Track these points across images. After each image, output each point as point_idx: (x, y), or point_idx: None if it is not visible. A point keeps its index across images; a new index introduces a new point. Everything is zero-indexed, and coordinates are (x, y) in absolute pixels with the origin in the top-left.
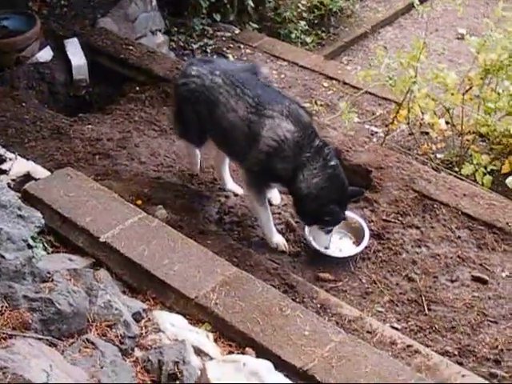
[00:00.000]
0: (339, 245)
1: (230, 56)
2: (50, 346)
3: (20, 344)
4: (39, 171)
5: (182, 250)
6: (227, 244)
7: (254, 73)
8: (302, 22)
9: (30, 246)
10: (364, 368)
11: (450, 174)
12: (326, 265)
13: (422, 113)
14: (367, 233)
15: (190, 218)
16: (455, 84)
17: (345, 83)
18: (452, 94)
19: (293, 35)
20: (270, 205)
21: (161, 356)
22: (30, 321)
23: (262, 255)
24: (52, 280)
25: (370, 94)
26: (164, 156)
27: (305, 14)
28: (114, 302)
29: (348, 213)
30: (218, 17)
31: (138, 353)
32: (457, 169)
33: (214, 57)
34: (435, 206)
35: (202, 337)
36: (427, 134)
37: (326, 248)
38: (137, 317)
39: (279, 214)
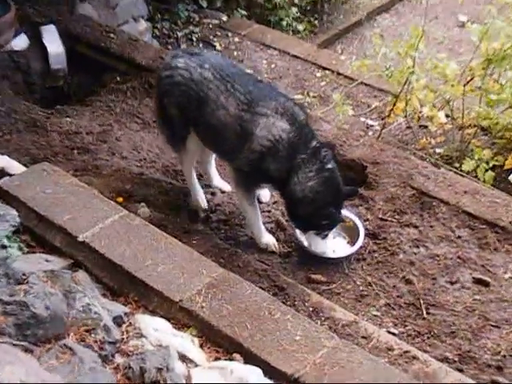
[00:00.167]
0: (333, 245)
1: (218, 45)
2: (25, 351)
3: None
4: (14, 166)
5: (165, 250)
6: (214, 244)
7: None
8: (294, 9)
9: (4, 246)
10: (359, 375)
11: (450, 170)
12: (318, 266)
13: (421, 105)
14: (362, 232)
15: (174, 216)
16: (456, 75)
17: (339, 73)
18: (452, 86)
19: (284, 22)
20: (260, 202)
21: (143, 363)
22: (4, 325)
23: (250, 256)
24: (27, 282)
25: (366, 85)
26: (147, 150)
27: (297, 0)
28: (94, 306)
29: (342, 211)
30: (204, 3)
31: (118, 359)
32: (457, 164)
33: (200, 45)
34: (434, 203)
35: (186, 342)
36: (426, 127)
37: (325, 253)
38: (118, 321)
39: (269, 212)
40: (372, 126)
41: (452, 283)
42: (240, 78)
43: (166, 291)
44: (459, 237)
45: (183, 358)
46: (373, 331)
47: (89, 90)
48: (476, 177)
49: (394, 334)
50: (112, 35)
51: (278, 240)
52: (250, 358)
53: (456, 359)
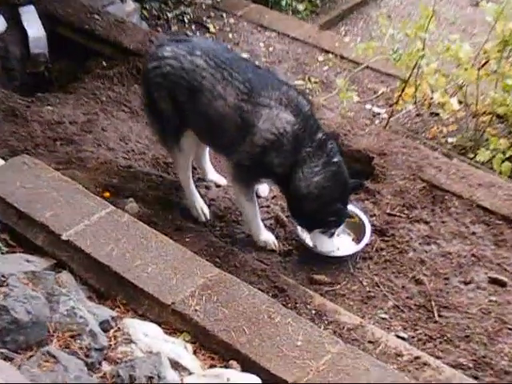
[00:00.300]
0: (337, 243)
1: (211, 26)
2: (5, 359)
3: None
4: None
5: (156, 249)
6: (208, 242)
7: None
8: None
9: None
10: (365, 383)
11: (464, 161)
12: (321, 265)
13: (432, 91)
14: (368, 229)
15: (165, 212)
16: (469, 58)
17: (342, 57)
18: (465, 70)
19: (283, 2)
20: (258, 197)
21: (132, 370)
22: None
23: (248, 255)
24: (7, 284)
25: (372, 69)
26: (135, 141)
27: None
28: (79, 310)
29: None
30: None
31: (106, 367)
32: (471, 155)
33: (193, 27)
34: (446, 197)
35: (179, 348)
36: (437, 115)
37: (333, 252)
38: (105, 326)
39: (268, 207)
40: (379, 113)
41: (466, 283)
42: (237, 65)
43: (156, 293)
44: (473, 233)
45: (175, 365)
46: (380, 335)
47: (72, 76)
48: (491, 168)
49: (403, 338)
50: (97, 17)
51: (277, 237)
52: (248, 366)
53: (471, 365)
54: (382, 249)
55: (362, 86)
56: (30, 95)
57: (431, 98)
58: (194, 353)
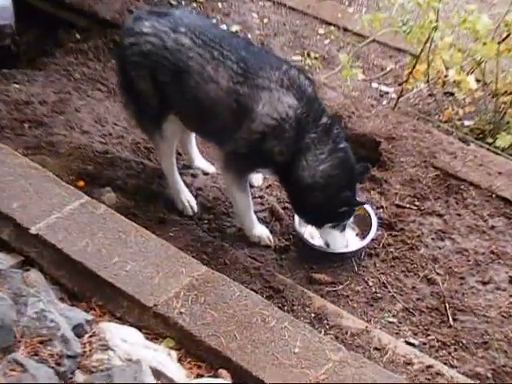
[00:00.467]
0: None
1: None
2: None
3: None
4: None
5: (136, 244)
6: (195, 237)
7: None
8: None
9: None
10: None
11: (482, 147)
12: (321, 263)
13: (446, 68)
14: (375, 222)
15: (146, 203)
16: (488, 31)
17: (346, 30)
18: (484, 44)
19: None
20: (251, 187)
21: (109, 380)
22: None
23: (239, 251)
24: None
25: (379, 43)
26: (113, 124)
27: None
28: (49, 312)
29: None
30: None
31: (79, 376)
32: (490, 139)
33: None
34: (462, 187)
35: (162, 356)
36: (452, 95)
37: (346, 246)
38: (78, 330)
39: (261, 198)
40: (386, 93)
41: (484, 283)
42: (227, 42)
43: (136, 294)
44: (492, 227)
45: (158, 374)
46: (388, 342)
47: (42, 50)
48: None
49: (413, 344)
50: None
51: (272, 232)
52: (240, 375)
53: (489, 375)
54: (389, 244)
55: (367, 62)
56: None
57: (445, 76)
58: (179, 361)
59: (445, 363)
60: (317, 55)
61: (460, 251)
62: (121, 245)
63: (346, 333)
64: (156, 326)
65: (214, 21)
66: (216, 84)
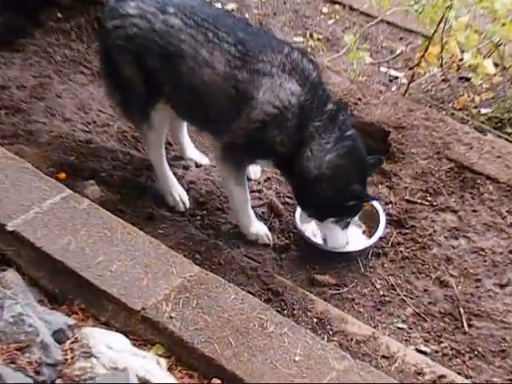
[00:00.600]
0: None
1: None
2: None
3: None
4: None
5: (122, 242)
6: (187, 234)
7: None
8: None
9: None
10: None
11: (500, 137)
12: (325, 263)
13: (461, 51)
14: (383, 219)
15: (133, 197)
16: (507, 10)
17: (352, 9)
18: (503, 25)
19: None
20: (248, 180)
21: None
22: None
23: (235, 250)
24: None
25: (388, 23)
26: (97, 111)
27: None
28: (28, 316)
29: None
30: None
31: None
32: (509, 129)
33: None
34: (478, 181)
35: (151, 364)
36: (468, 80)
37: (345, 245)
38: (59, 336)
39: (260, 192)
40: (396, 78)
41: (502, 286)
42: (223, 22)
43: (123, 297)
44: (511, 225)
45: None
46: (397, 349)
47: (20, 30)
48: None
49: (425, 352)
50: None
51: (271, 229)
52: None
53: None
54: (399, 243)
55: (375, 44)
56: None
57: (461, 60)
58: (169, 369)
59: (459, 373)
60: (320, 36)
61: (476, 251)
62: (106, 243)
63: (351, 339)
64: (144, 331)
65: None
66: (211, 69)
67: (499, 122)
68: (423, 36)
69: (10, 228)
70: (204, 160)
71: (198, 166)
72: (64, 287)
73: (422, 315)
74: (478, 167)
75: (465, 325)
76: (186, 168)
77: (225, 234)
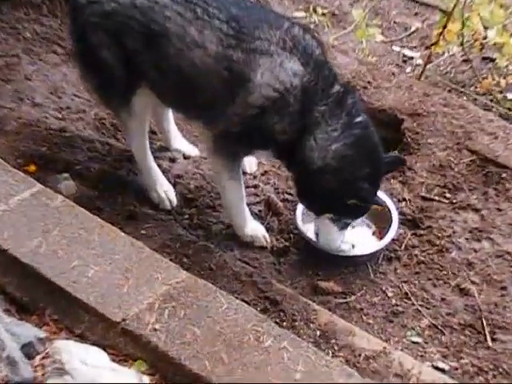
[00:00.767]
0: (352, 237)
1: None
2: None
3: None
4: None
5: (100, 244)
6: (173, 235)
7: None
8: None
9: None
10: None
11: None
12: (329, 269)
13: (485, 28)
14: (396, 218)
15: (113, 193)
16: None
17: None
18: None
19: None
20: (243, 174)
21: None
22: None
23: (228, 253)
24: None
25: None
26: (72, 95)
27: None
28: None
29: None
30: None
31: None
32: None
33: None
34: (504, 175)
35: (132, 381)
36: (492, 61)
37: (338, 250)
38: (29, 350)
39: (256, 187)
40: (411, 58)
41: None
42: None
43: (101, 306)
44: None
45: None
46: (411, 366)
47: None
48: None
49: (442, 370)
50: None
51: (268, 229)
52: None
53: None
54: (414, 246)
55: (387, 19)
56: None
57: (484, 38)
58: None
59: None
60: (325, 11)
61: (500, 255)
62: (81, 245)
63: (360, 355)
64: (124, 345)
65: None
66: (202, 49)
67: None
68: (441, 11)
69: None
70: (193, 151)
71: (186, 157)
72: (34, 295)
73: (440, 327)
74: (503, 160)
75: (488, 338)
76: (172, 160)
77: (216, 235)
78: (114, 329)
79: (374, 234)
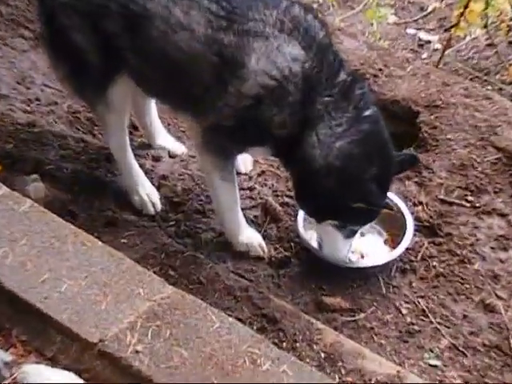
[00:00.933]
0: (361, 246)
1: None
2: None
3: None
4: None
5: (74, 255)
6: (157, 244)
7: None
8: None
9: None
10: None
11: None
12: (335, 282)
13: None
14: (411, 225)
15: (89, 197)
16: None
17: None
18: None
19: None
20: (237, 174)
21: None
22: None
23: (220, 264)
24: None
25: None
26: (42, 85)
27: None
28: None
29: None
30: None
31: None
32: None
33: None
34: None
35: None
36: None
37: (345, 260)
38: None
39: (251, 189)
40: (428, 42)
41: None
42: None
43: (75, 325)
44: None
45: None
46: None
47: None
48: None
49: None
50: None
51: (266, 237)
52: None
53: None
54: (431, 256)
55: None
56: None
57: (511, 19)
58: None
59: None
60: None
61: None
62: (53, 256)
63: (370, 380)
64: (102, 369)
65: None
66: (188, 32)
67: None
68: None
69: None
70: (179, 148)
71: (171, 156)
72: (0, 313)
73: (461, 349)
74: None
75: None
76: (156, 159)
77: (206, 244)
78: (90, 351)
79: (385, 242)
